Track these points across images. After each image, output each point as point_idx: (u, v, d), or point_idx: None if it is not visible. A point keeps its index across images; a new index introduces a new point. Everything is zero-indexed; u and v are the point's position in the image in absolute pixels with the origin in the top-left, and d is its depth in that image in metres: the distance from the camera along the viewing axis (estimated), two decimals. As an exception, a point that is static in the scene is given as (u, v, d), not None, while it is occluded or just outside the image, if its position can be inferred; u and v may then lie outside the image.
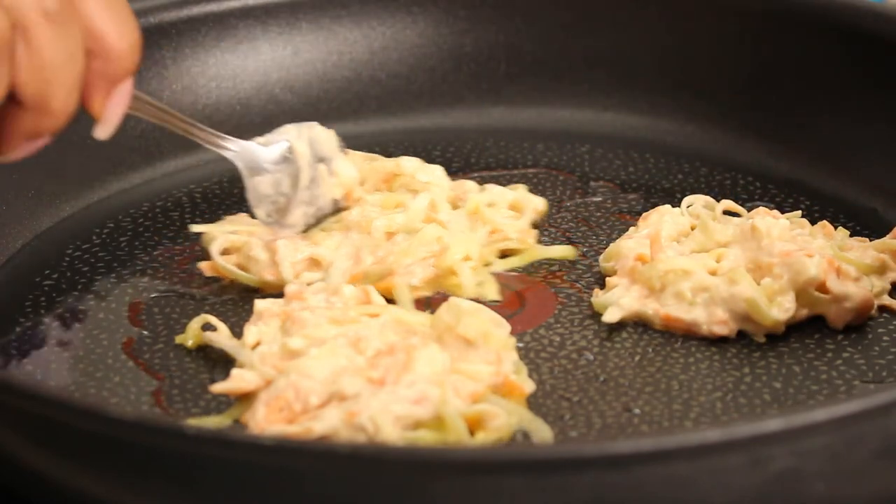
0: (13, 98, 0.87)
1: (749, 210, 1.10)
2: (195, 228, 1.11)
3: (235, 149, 1.07)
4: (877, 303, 1.03)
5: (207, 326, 1.01)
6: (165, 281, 1.09)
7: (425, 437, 0.90)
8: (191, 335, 1.01)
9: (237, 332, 1.00)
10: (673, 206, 1.10)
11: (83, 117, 1.21)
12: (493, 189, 1.12)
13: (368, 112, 1.29)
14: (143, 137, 1.23)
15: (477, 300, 1.03)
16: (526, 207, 1.11)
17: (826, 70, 1.23)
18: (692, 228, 1.08)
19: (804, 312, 1.02)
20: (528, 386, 0.95)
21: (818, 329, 1.02)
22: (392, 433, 0.89)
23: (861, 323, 1.02)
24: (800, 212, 1.10)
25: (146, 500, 0.83)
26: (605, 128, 1.25)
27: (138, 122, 1.23)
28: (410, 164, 1.13)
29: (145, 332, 1.03)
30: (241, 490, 0.80)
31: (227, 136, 1.07)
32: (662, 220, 1.07)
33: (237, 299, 1.06)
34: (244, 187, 1.08)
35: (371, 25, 1.31)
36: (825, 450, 0.80)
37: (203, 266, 1.09)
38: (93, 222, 1.16)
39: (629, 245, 1.06)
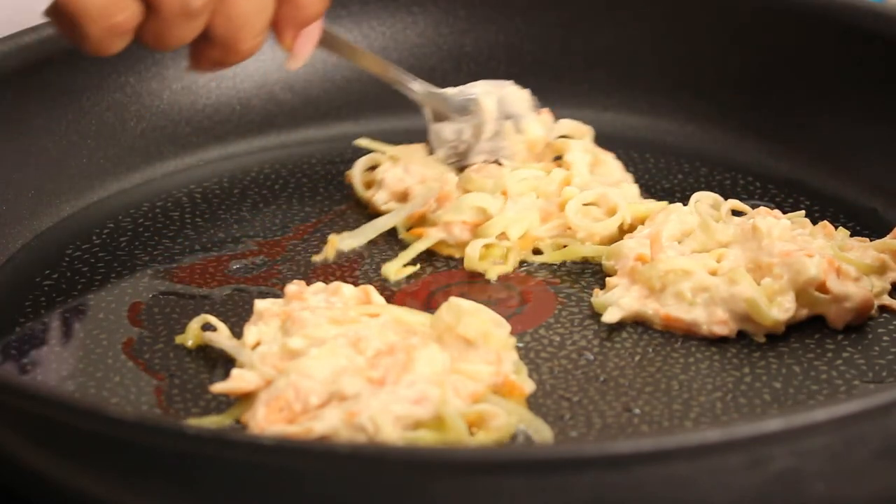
0: (205, 34, 0.97)
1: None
2: (359, 143, 1.18)
3: (423, 92, 1.14)
4: (877, 303, 1.03)
5: (207, 326, 1.01)
6: (165, 281, 1.09)
7: (425, 437, 0.90)
8: (191, 335, 1.01)
9: (237, 332, 1.00)
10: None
11: (83, 117, 1.21)
12: (614, 192, 1.12)
13: (368, 112, 1.29)
14: (143, 137, 1.23)
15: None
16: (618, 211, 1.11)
17: (826, 70, 1.22)
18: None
19: (804, 312, 1.02)
20: (528, 386, 0.95)
21: (818, 329, 1.02)
22: (392, 433, 0.89)
23: (861, 323, 1.02)
24: (803, 212, 1.10)
25: (146, 500, 0.83)
26: (605, 128, 1.25)
27: (138, 122, 1.23)
28: (575, 144, 1.15)
29: (145, 332, 1.03)
30: (241, 490, 0.80)
31: (416, 79, 1.14)
32: (669, 218, 1.07)
33: (237, 299, 1.06)
34: (427, 129, 1.14)
35: (371, 25, 1.31)
36: (825, 450, 0.80)
37: (348, 173, 1.18)
38: (93, 222, 1.16)
39: (629, 245, 1.06)
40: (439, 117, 1.13)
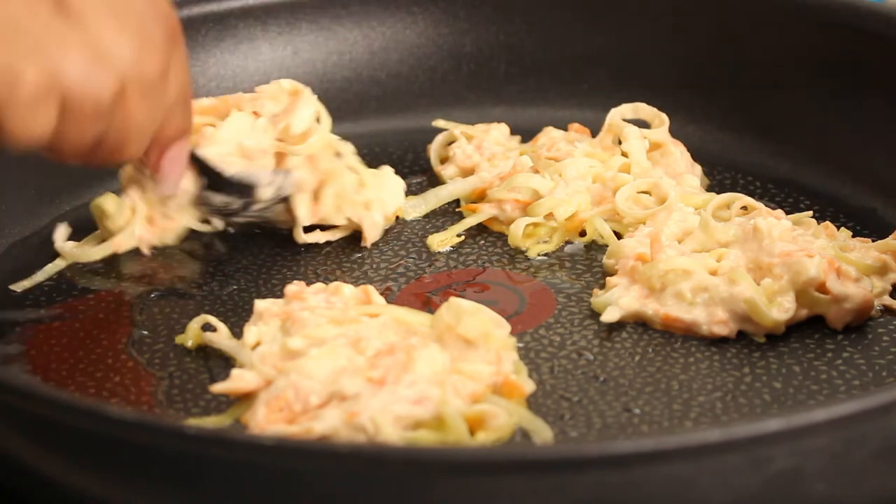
0: (97, 138, 0.96)
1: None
2: (437, 123, 1.22)
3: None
4: (877, 303, 1.03)
5: (207, 326, 1.01)
6: (165, 281, 1.09)
7: (425, 437, 0.90)
8: (191, 335, 1.01)
9: (237, 332, 1.00)
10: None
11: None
12: (668, 182, 1.13)
13: (368, 112, 1.29)
14: (143, 137, 1.23)
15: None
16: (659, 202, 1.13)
17: (826, 70, 1.22)
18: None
19: (804, 313, 1.02)
20: (528, 386, 0.95)
21: (818, 329, 1.02)
22: (392, 433, 0.89)
23: (861, 323, 1.02)
24: (810, 212, 1.10)
25: (146, 500, 0.83)
26: (605, 128, 1.25)
27: (138, 122, 1.23)
28: (633, 131, 1.15)
29: (145, 332, 1.03)
30: (241, 490, 0.80)
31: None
32: (669, 218, 1.07)
33: (237, 299, 1.06)
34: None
35: (371, 25, 1.31)
36: (825, 450, 0.80)
37: (427, 146, 1.22)
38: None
39: (630, 244, 1.06)
40: (213, 187, 1.09)
